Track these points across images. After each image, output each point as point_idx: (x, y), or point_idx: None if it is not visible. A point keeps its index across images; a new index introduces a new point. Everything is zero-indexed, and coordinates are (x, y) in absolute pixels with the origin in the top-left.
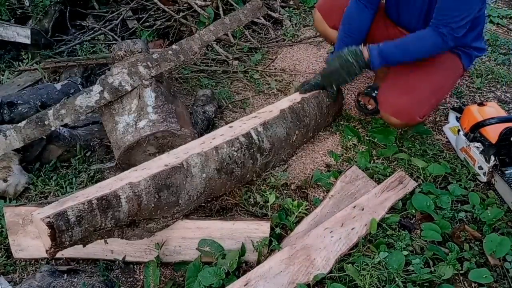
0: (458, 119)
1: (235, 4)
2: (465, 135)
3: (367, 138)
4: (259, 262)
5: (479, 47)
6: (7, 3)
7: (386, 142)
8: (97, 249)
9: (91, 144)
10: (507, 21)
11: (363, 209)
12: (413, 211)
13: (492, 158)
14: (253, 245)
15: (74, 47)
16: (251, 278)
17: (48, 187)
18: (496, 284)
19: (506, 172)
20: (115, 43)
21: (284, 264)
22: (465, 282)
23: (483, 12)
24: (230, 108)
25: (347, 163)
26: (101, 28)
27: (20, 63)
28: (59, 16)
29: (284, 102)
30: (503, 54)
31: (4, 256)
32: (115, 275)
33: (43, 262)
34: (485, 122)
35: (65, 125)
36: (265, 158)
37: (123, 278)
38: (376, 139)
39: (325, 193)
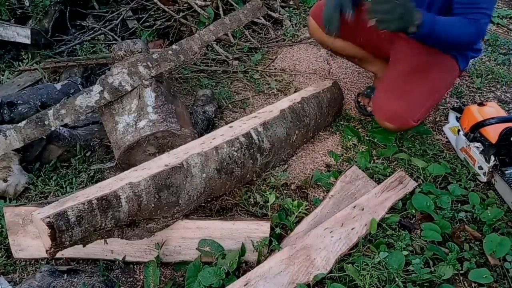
0: (458, 119)
1: (235, 4)
2: (465, 135)
3: (367, 138)
4: (259, 262)
5: (476, 47)
6: (7, 3)
7: (386, 142)
8: (97, 249)
9: (91, 144)
10: (507, 21)
11: (363, 209)
12: (413, 211)
13: (492, 158)
14: (253, 245)
15: (74, 47)
16: (251, 278)
17: (48, 187)
18: (496, 284)
19: (506, 172)
20: (115, 43)
21: (284, 264)
22: (465, 282)
23: None
24: (230, 108)
25: (347, 163)
26: (101, 28)
27: (20, 63)
28: (59, 16)
29: (284, 102)
30: (503, 54)
31: (4, 256)
32: (115, 275)
33: (43, 262)
34: (485, 122)
35: (65, 125)
36: (265, 158)
37: (123, 278)
38: (376, 139)
39: (325, 193)
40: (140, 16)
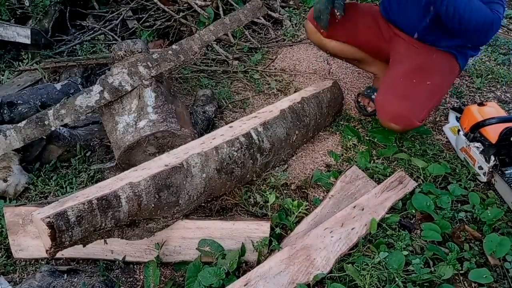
0: (458, 119)
1: (235, 4)
2: (465, 135)
3: (367, 138)
4: (259, 262)
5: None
6: (7, 3)
7: (386, 142)
8: (97, 249)
9: (91, 144)
10: (507, 21)
11: (363, 209)
12: (413, 211)
13: (492, 158)
14: (253, 245)
15: (74, 47)
16: (251, 278)
17: (48, 187)
18: (496, 284)
19: (506, 172)
20: (115, 43)
21: (284, 264)
22: (465, 282)
23: None
24: (230, 108)
25: (347, 163)
26: (101, 28)
27: (20, 63)
28: (59, 16)
29: (284, 102)
30: (503, 54)
31: (4, 256)
32: (115, 275)
33: (43, 262)
34: (485, 122)
35: (65, 125)
36: (265, 158)
37: (123, 278)
38: (376, 139)
39: (325, 193)
40: (140, 16)
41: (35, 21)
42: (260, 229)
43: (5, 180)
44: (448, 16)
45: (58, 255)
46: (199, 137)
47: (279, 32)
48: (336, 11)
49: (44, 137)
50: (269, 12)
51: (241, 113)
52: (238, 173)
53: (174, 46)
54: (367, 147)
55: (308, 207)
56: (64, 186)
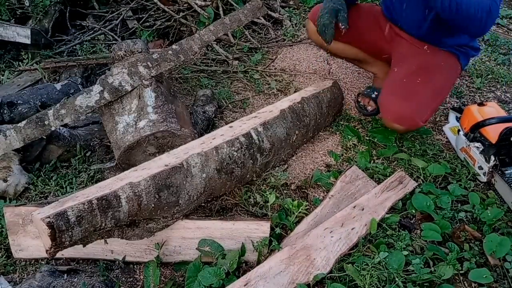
0: (458, 119)
1: (235, 4)
2: (465, 135)
3: (367, 138)
4: (259, 262)
5: (475, 46)
6: (7, 3)
7: (386, 142)
8: (97, 249)
9: (91, 144)
10: (507, 21)
11: (363, 209)
12: (413, 211)
13: (492, 158)
14: (253, 245)
15: (74, 47)
16: (251, 278)
17: (48, 187)
18: (496, 284)
19: (506, 172)
20: (115, 43)
21: (284, 264)
22: (465, 282)
23: None
24: (230, 108)
25: (347, 163)
26: (101, 28)
27: (20, 63)
28: (59, 16)
29: (284, 102)
30: (503, 54)
31: (4, 256)
32: (115, 275)
33: (43, 262)
34: (485, 122)
35: (65, 125)
36: (265, 158)
37: (123, 278)
38: (376, 139)
39: (325, 193)
40: (140, 16)
41: (35, 21)
42: (260, 229)
43: (5, 180)
44: (445, 10)
45: (58, 255)
46: (199, 137)
47: (279, 32)
48: (340, 24)
49: (44, 137)
50: (269, 12)
51: (241, 113)
52: (238, 173)
53: (174, 46)
54: (367, 147)
55: (308, 207)
56: (64, 186)
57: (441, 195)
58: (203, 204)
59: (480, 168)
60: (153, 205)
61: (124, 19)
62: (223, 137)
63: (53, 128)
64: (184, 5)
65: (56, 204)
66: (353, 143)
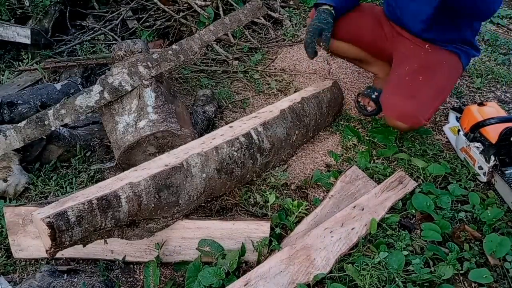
0: (458, 119)
1: (235, 4)
2: (465, 135)
3: (367, 138)
4: (259, 262)
5: (476, 45)
6: (7, 3)
7: (386, 142)
8: (97, 249)
9: (91, 144)
10: (507, 21)
11: (363, 209)
12: (413, 211)
13: (492, 158)
14: (253, 245)
15: (74, 47)
16: (251, 278)
17: (48, 187)
18: (496, 284)
19: (506, 172)
20: (115, 43)
21: (284, 264)
22: (465, 282)
23: None
24: (230, 108)
25: (347, 163)
26: (101, 28)
27: (20, 63)
28: (59, 16)
29: (284, 102)
30: (503, 54)
31: (4, 256)
32: (115, 275)
33: (43, 262)
34: (485, 122)
35: (65, 125)
36: (265, 158)
37: (123, 278)
38: (376, 139)
39: (325, 193)
40: (140, 16)
41: (35, 21)
42: (260, 229)
43: (5, 180)
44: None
45: (58, 255)
46: (199, 137)
47: (279, 32)
48: (321, 43)
49: (44, 137)
50: (269, 12)
51: (241, 113)
52: (238, 173)
53: (174, 46)
54: (367, 147)
55: (308, 207)
56: (64, 186)
57: (441, 195)
58: (203, 204)
59: (480, 168)
60: (153, 205)
61: (124, 19)
62: (223, 137)
63: (53, 128)
64: (184, 5)
65: (56, 204)
66: (353, 143)
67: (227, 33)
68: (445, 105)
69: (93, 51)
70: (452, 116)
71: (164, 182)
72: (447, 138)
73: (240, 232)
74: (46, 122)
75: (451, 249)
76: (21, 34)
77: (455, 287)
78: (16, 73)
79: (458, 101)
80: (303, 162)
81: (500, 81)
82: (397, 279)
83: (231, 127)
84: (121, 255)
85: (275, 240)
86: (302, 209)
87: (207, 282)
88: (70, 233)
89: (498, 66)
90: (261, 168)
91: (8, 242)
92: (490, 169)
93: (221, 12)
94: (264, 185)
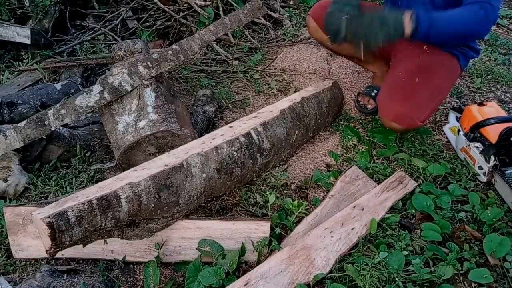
0: (458, 119)
1: (235, 4)
2: (465, 135)
3: (367, 138)
4: (259, 262)
5: (475, 47)
6: (7, 3)
7: (386, 142)
8: (97, 249)
9: (91, 144)
10: (507, 21)
11: (363, 209)
12: (413, 211)
13: (492, 158)
14: (253, 245)
15: (74, 47)
16: (251, 278)
17: (48, 187)
18: (496, 284)
19: (506, 172)
20: (115, 43)
21: (284, 264)
22: (465, 282)
23: None
24: (230, 108)
25: (347, 163)
26: (101, 28)
27: (20, 63)
28: (59, 16)
29: (284, 102)
30: (503, 54)
31: (4, 256)
32: (115, 275)
33: (43, 262)
34: (485, 122)
35: (65, 125)
36: (265, 158)
37: (123, 278)
38: (376, 139)
39: (325, 193)
40: (140, 16)
41: (35, 21)
42: (260, 229)
43: (5, 180)
44: (439, 43)
45: (58, 255)
46: (199, 137)
47: (279, 32)
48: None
49: (44, 137)
50: (269, 12)
51: (241, 113)
52: (238, 173)
53: (174, 46)
54: (367, 147)
55: (308, 207)
56: (64, 186)
57: (441, 195)
58: (203, 204)
59: (480, 168)
60: (153, 205)
61: (124, 19)
62: (223, 137)
63: (53, 128)
64: (184, 5)
65: (56, 204)
66: (353, 143)
67: (227, 33)
68: (445, 105)
69: (93, 51)
70: (452, 116)
71: (164, 182)
72: (447, 138)
73: (240, 232)
74: (46, 122)
75: (451, 249)
76: (21, 34)
77: (455, 287)
78: (16, 73)
79: (458, 101)
80: (303, 162)
81: (500, 81)
82: (397, 279)
83: (231, 127)
84: (121, 255)
85: (275, 240)
86: (302, 209)
87: (207, 282)
88: (70, 233)
89: (498, 66)
90: (261, 168)
91: (8, 242)
92: (490, 169)
93: (221, 12)
94: (264, 185)
